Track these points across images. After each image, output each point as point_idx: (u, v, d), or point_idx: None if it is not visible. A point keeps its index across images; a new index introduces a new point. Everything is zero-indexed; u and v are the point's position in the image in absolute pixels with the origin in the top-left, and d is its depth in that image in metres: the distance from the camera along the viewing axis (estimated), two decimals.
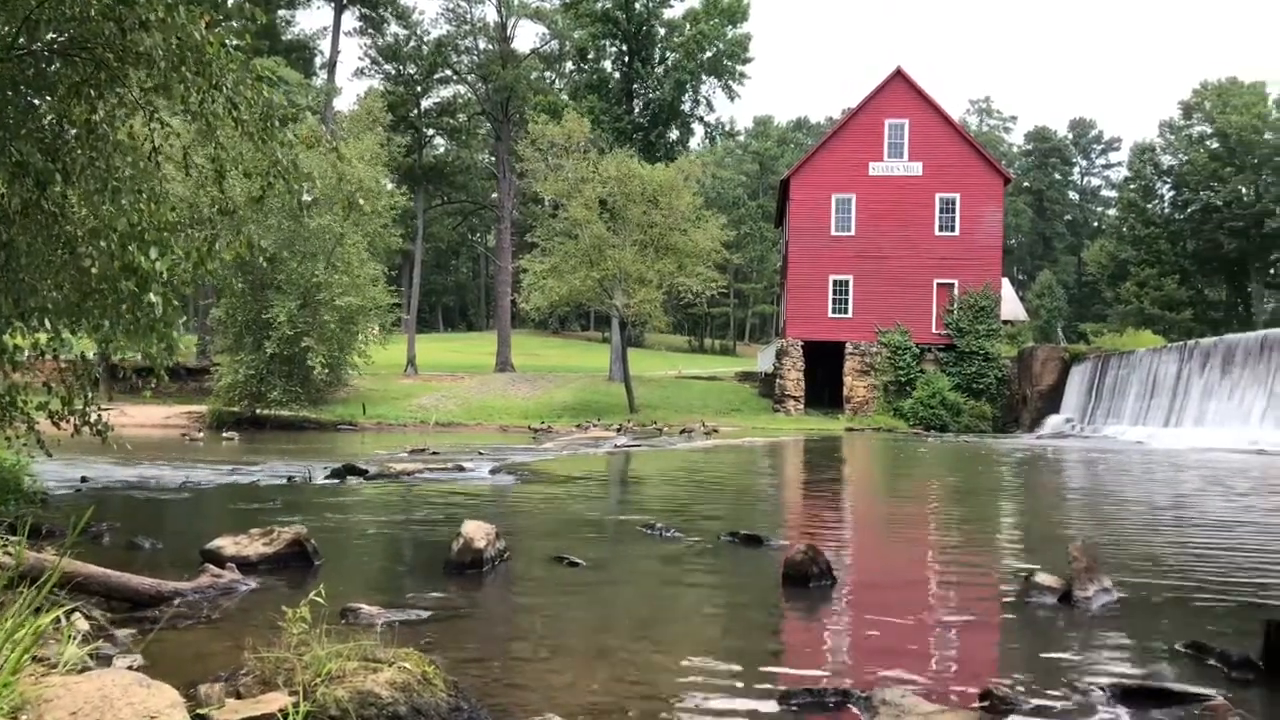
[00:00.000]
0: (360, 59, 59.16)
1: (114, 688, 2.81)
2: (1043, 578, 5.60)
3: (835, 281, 43.34)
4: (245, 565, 6.05)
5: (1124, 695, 3.61)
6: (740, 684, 3.82)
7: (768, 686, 3.77)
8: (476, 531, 6.25)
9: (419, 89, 58.39)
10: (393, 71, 57.96)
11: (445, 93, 60.96)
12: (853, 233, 43.23)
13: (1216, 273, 77.65)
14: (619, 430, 32.74)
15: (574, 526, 9.10)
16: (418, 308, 61.44)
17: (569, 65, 58.95)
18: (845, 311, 43.33)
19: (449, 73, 58.33)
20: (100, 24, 6.59)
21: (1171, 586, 6.09)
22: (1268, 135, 71.96)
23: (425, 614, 4.90)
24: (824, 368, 43.91)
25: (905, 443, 29.93)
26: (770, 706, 3.55)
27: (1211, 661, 4.11)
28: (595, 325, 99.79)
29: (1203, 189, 74.70)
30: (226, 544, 6.38)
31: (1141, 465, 19.16)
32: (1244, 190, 73.04)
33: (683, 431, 32.47)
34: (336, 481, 12.96)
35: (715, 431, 32.82)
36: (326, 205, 30.76)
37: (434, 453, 19.56)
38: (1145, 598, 5.61)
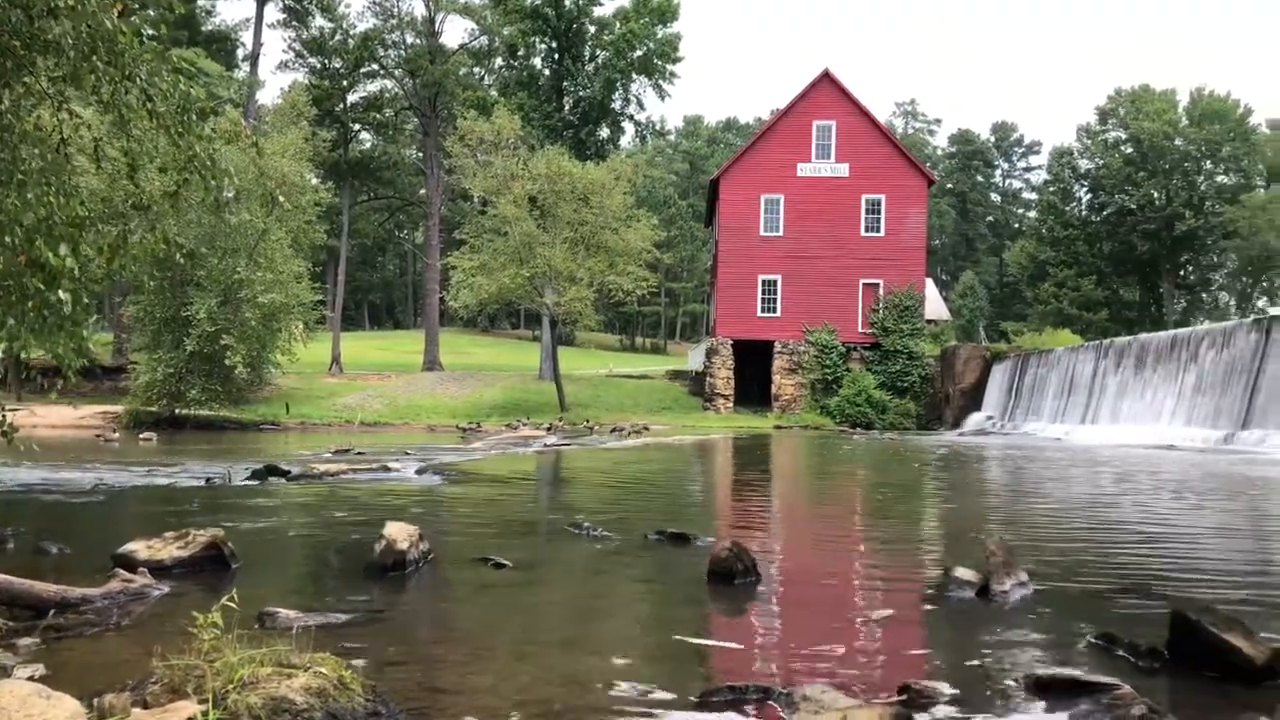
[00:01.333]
0: (284, 52, 57.95)
1: (11, 699, 2.71)
2: (961, 572, 5.71)
3: (764, 281, 43.74)
4: (159, 569, 5.88)
5: (1037, 686, 3.69)
6: (664, 682, 3.82)
7: (691, 684, 3.78)
8: (399, 533, 6.16)
9: (345, 83, 57.46)
10: (318, 65, 56.95)
11: (372, 87, 60.17)
12: (781, 233, 43.67)
13: (1131, 274, 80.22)
14: (549, 429, 32.64)
15: (501, 527, 9.03)
16: (343, 305, 60.57)
17: (498, 61, 58.59)
18: (774, 311, 43.76)
19: (375, 67, 57.55)
20: (6, 10, 6.36)
21: (1085, 579, 6.26)
22: (1177, 141, 74.53)
23: (345, 617, 4.82)
24: (753, 366, 44.33)
25: (832, 440, 30.35)
26: (692, 704, 3.55)
27: (1120, 651, 4.23)
28: (525, 324, 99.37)
29: (1118, 192, 77.13)
30: (139, 548, 6.19)
31: (1059, 461, 19.68)
32: (1156, 194, 75.57)
33: (613, 430, 32.49)
34: (257, 483, 12.69)
35: (646, 430, 32.90)
36: (248, 201, 30.11)
37: (359, 453, 19.27)
38: (1059, 590, 5.75)
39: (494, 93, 55.76)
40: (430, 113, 56.18)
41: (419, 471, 14.78)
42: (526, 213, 39.15)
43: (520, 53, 53.93)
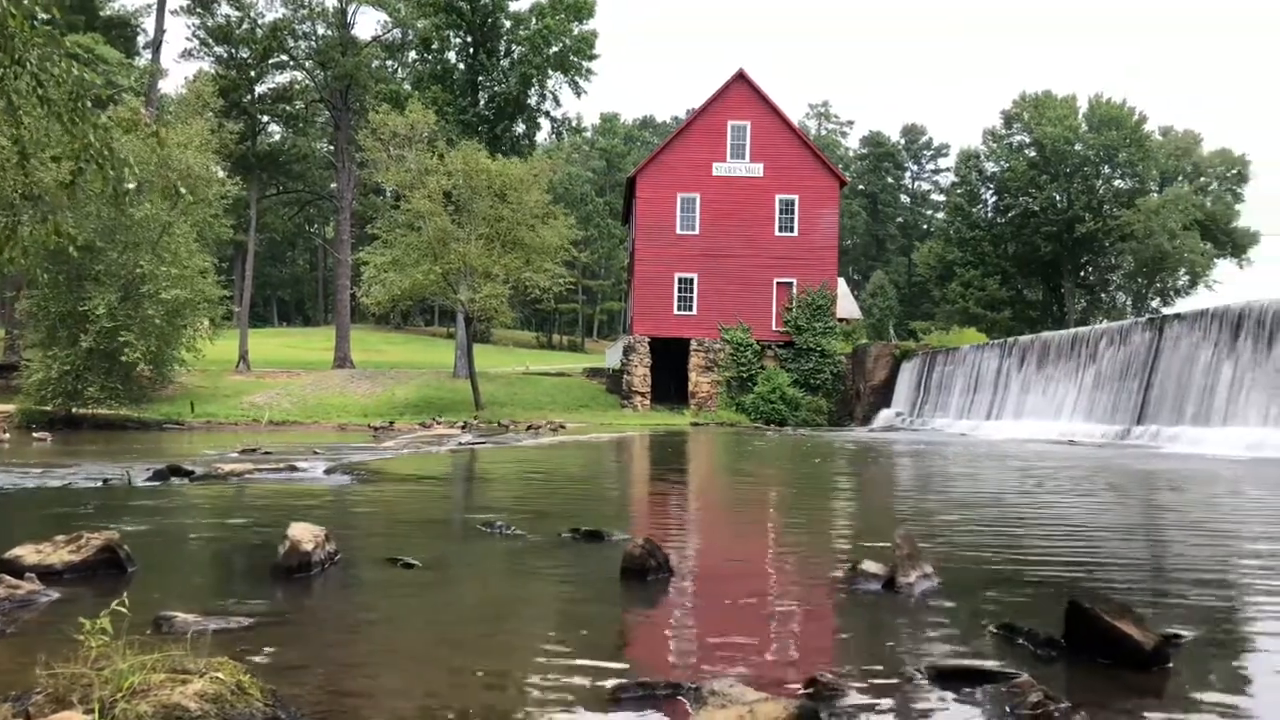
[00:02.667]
0: (188, 40, 56.07)
1: None
2: (868, 565, 5.81)
3: (680, 279, 44.01)
4: (48, 574, 5.64)
5: (940, 676, 3.77)
6: (575, 681, 3.80)
7: (603, 682, 3.76)
8: (304, 533, 6.02)
9: (253, 73, 55.93)
10: (224, 54, 55.32)
11: (281, 78, 58.69)
12: (697, 231, 43.99)
13: (1034, 274, 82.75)
14: (464, 428, 32.33)
15: (412, 527, 8.90)
16: (250, 301, 59.01)
17: (412, 55, 57.73)
18: (690, 309, 44.07)
19: (285, 58, 56.14)
20: None
21: (987, 571, 6.42)
22: (1077, 146, 77.09)
23: (246, 621, 4.68)
24: (670, 364, 44.60)
25: (747, 437, 30.66)
26: (603, 702, 3.54)
27: (1020, 641, 4.34)
28: (440, 320, 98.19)
29: (1022, 195, 79.49)
30: (27, 552, 5.93)
31: (964, 456, 20.20)
32: (1057, 197, 78.09)
33: (529, 428, 32.32)
34: (159, 483, 12.28)
35: (562, 428, 32.82)
36: (149, 193, 29.15)
37: (266, 452, 18.81)
38: (963, 582, 5.89)
39: (407, 86, 54.91)
40: (342, 106, 55.09)
41: (328, 471, 14.48)
42: (441, 208, 38.66)
43: (434, 46, 53.20)
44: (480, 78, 52.88)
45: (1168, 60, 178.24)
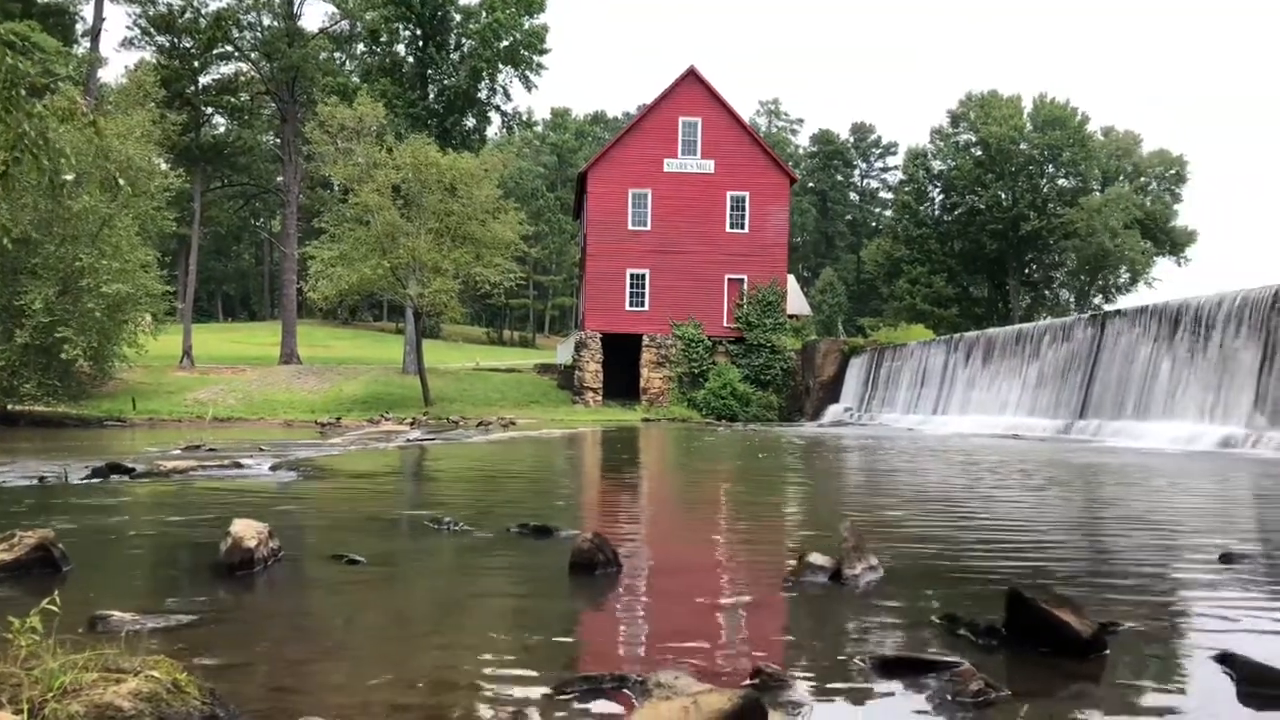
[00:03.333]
0: (129, 28, 54.86)
1: None
2: (815, 558, 5.84)
3: (632, 275, 44.07)
4: None
5: (883, 666, 3.80)
6: (521, 676, 3.78)
7: (549, 677, 3.74)
8: (247, 530, 5.92)
9: (196, 64, 54.87)
10: (166, 44, 54.20)
11: (226, 69, 57.60)
12: (649, 227, 44.07)
13: (980, 271, 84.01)
14: (413, 424, 32.07)
15: (357, 523, 8.80)
16: (194, 296, 58.00)
17: (360, 47, 57.06)
18: (642, 305, 44.15)
19: (229, 48, 55.15)
20: None
21: (931, 562, 6.51)
22: (1022, 145, 78.39)
23: (186, 619, 4.59)
24: (622, 359, 44.65)
25: (697, 432, 30.77)
26: (547, 696, 3.52)
27: (962, 631, 4.39)
28: (388, 316, 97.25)
29: (968, 193, 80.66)
30: None
31: (910, 450, 20.45)
32: (1003, 195, 79.32)
33: (480, 424, 32.16)
34: (97, 481, 12.01)
35: (513, 424, 32.70)
36: (88, 184, 28.53)
37: (210, 449, 18.49)
38: (907, 573, 5.96)
39: (355, 79, 54.29)
40: (288, 98, 54.29)
41: (273, 468, 14.28)
42: (390, 202, 38.31)
43: (383, 39, 52.66)
44: (430, 71, 52.43)
45: (1104, 54, 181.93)
